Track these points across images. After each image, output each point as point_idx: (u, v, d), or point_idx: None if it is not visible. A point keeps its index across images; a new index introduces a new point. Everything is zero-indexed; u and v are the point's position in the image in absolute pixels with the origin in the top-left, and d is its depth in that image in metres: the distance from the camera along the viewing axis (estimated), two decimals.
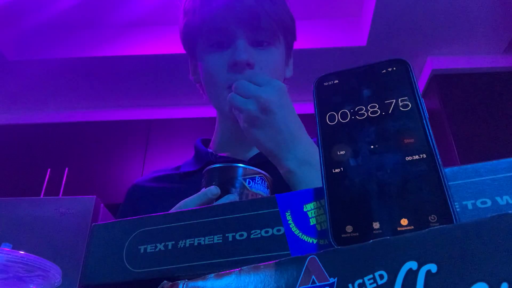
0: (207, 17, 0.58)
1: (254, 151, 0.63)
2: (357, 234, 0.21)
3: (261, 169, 0.44)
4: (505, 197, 0.21)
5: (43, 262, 0.36)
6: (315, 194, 0.25)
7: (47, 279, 0.37)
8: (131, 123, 2.55)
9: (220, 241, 0.25)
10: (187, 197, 0.42)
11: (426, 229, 0.18)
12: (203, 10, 0.58)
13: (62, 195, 2.23)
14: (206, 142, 0.71)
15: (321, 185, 0.24)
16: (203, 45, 0.60)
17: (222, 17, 0.57)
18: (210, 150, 0.65)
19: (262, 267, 0.20)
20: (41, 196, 2.20)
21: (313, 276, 0.18)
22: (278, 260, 0.20)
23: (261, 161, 0.57)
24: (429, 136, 0.22)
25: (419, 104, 0.24)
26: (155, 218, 0.27)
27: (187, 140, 2.38)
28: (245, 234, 0.25)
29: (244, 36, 0.57)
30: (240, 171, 0.43)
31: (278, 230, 0.24)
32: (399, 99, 0.24)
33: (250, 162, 0.59)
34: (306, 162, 0.45)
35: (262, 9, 0.56)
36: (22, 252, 0.35)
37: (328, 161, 0.24)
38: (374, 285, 0.17)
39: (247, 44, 0.57)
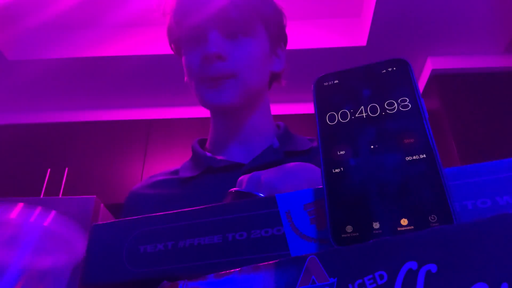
0: (181, 16, 0.60)
1: (253, 153, 0.62)
2: (357, 234, 0.21)
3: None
4: (505, 197, 0.21)
5: (69, 233, 0.32)
6: (315, 194, 0.25)
7: (71, 253, 0.33)
8: (131, 123, 2.55)
9: (220, 241, 0.25)
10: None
11: (426, 229, 0.18)
12: (177, 11, 0.60)
13: (62, 195, 2.23)
14: (203, 143, 0.70)
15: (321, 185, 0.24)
16: (183, 44, 0.62)
17: (194, 13, 0.58)
18: (208, 154, 0.64)
19: (262, 267, 0.20)
20: (41, 196, 2.20)
21: (313, 276, 0.18)
22: (278, 260, 0.20)
23: (261, 164, 0.57)
24: (429, 136, 0.22)
25: (419, 104, 0.24)
26: (155, 218, 0.27)
27: (187, 140, 2.37)
28: (245, 234, 0.24)
29: (216, 29, 0.58)
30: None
31: (278, 230, 0.24)
32: (399, 99, 0.24)
33: (251, 165, 0.58)
34: None
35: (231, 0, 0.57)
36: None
37: (328, 161, 0.24)
38: (374, 285, 0.17)
39: (220, 36, 0.58)
